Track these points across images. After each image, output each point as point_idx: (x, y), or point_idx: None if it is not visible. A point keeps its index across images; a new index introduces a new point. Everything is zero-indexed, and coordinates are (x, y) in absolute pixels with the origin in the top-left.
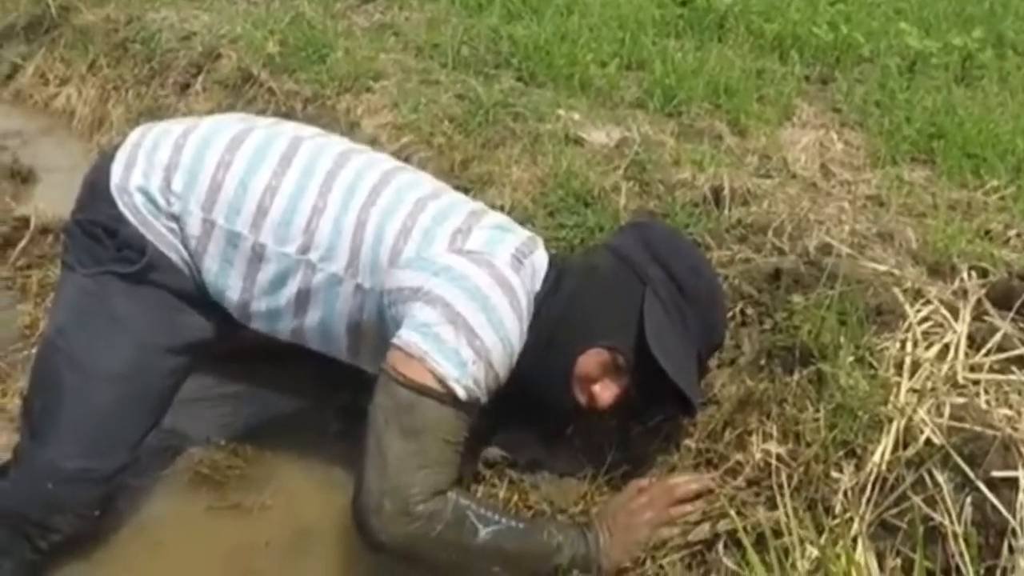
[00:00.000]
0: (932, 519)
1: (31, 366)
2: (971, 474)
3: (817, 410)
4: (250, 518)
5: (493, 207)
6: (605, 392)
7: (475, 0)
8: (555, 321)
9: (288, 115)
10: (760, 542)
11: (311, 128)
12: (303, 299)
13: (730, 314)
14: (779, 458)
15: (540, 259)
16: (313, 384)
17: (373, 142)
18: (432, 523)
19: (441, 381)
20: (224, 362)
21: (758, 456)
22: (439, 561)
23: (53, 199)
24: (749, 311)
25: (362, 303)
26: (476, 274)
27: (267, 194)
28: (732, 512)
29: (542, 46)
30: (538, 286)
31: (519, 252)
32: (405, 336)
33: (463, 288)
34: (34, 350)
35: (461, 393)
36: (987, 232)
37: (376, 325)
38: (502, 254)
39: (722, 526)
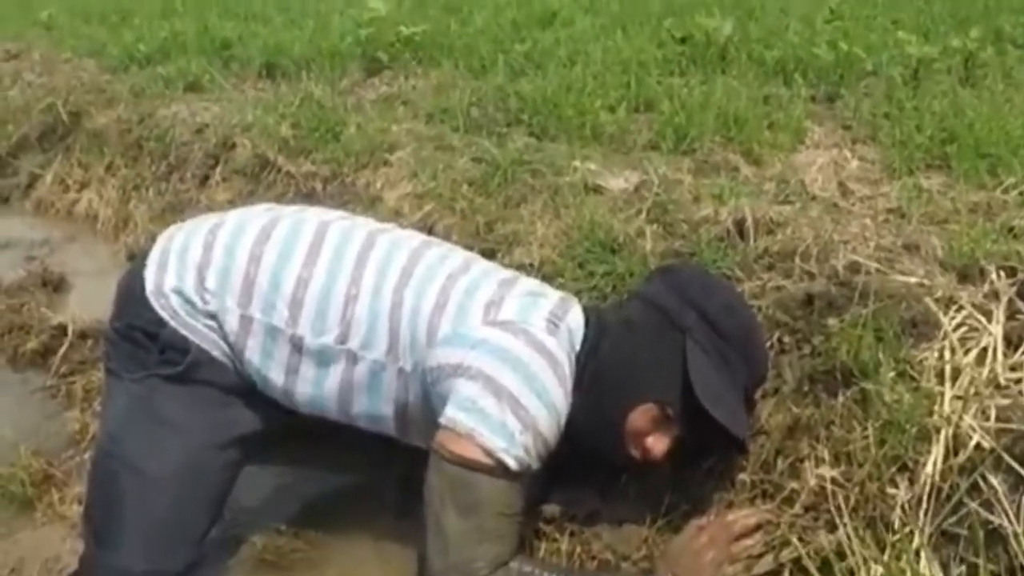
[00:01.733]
0: (991, 522)
1: (88, 474)
2: None
3: (865, 429)
4: None
5: (522, 265)
6: (658, 444)
7: (479, 62)
8: (600, 380)
9: (309, 196)
10: (825, 566)
11: (335, 212)
12: (347, 387)
13: (768, 344)
14: (833, 481)
15: (575, 319)
16: (368, 458)
17: (396, 214)
18: None
19: (491, 455)
20: (276, 444)
21: (812, 482)
22: None
23: (87, 304)
24: (786, 339)
25: (406, 385)
26: (513, 344)
27: (300, 286)
28: (794, 540)
29: (550, 99)
30: (577, 346)
31: (553, 316)
32: (451, 414)
33: (502, 359)
34: (86, 456)
35: (512, 464)
36: (1011, 230)
37: (422, 405)
38: (536, 320)
39: (785, 555)
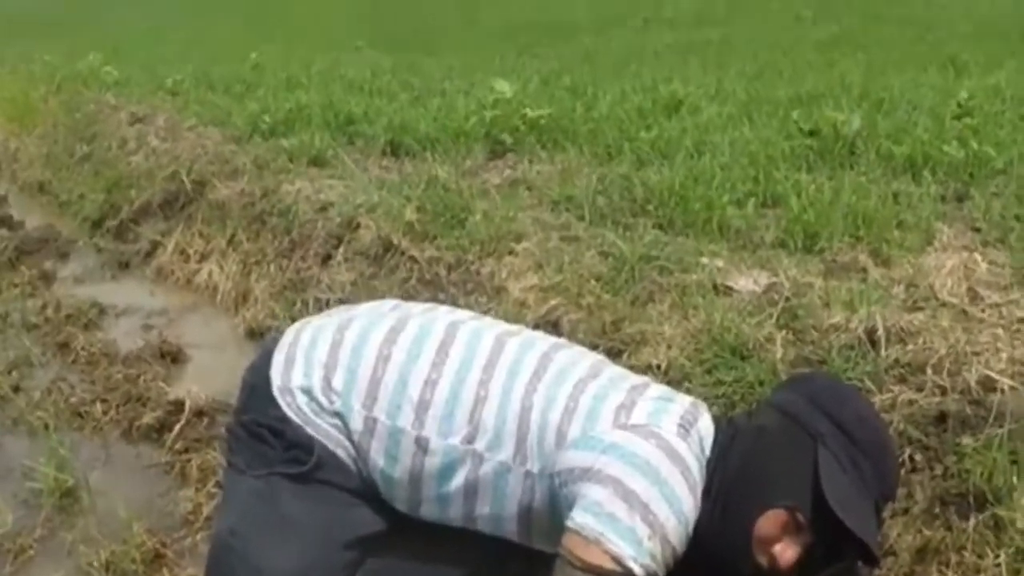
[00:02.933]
0: None
1: (206, 566)
2: None
3: (997, 556)
4: None
5: (649, 367)
6: (787, 552)
7: (604, 149)
8: (729, 485)
9: (432, 283)
10: None
11: (465, 312)
12: (471, 488)
13: (899, 460)
14: None
15: (706, 425)
16: (485, 555)
17: (521, 305)
18: None
19: (619, 561)
20: (396, 539)
21: None
22: None
23: (205, 379)
24: (918, 457)
25: (532, 488)
26: (644, 448)
27: (427, 387)
28: None
29: (677, 191)
30: (707, 452)
31: (684, 421)
32: (579, 519)
33: (633, 464)
34: (199, 537)
35: (639, 572)
36: None
37: (548, 508)
38: (668, 425)
39: None
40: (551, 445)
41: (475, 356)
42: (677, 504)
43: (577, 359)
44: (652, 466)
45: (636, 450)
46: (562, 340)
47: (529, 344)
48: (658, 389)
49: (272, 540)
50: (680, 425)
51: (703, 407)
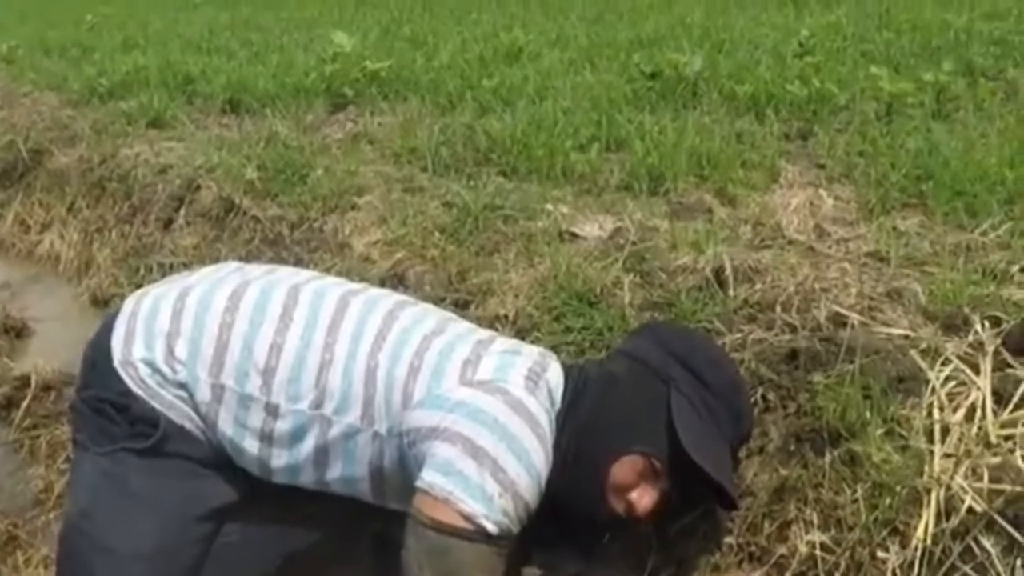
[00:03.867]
0: None
1: (57, 550)
2: (1019, 537)
3: (854, 491)
4: None
5: (497, 317)
6: (644, 498)
7: (446, 98)
8: (581, 435)
9: (276, 242)
10: None
11: (307, 273)
12: (322, 452)
13: (752, 400)
14: (823, 546)
15: (555, 375)
16: (341, 518)
17: (365, 260)
18: None
19: (470, 519)
20: (250, 507)
21: (802, 548)
22: None
23: (51, 352)
24: (771, 396)
25: (382, 449)
26: (491, 404)
27: (273, 352)
28: None
29: (519, 138)
30: (558, 402)
31: (532, 373)
32: (428, 478)
33: (480, 421)
34: (52, 516)
35: (492, 529)
36: (992, 273)
37: (398, 469)
38: (515, 378)
39: None
40: (398, 405)
41: (319, 319)
42: (527, 459)
43: (422, 316)
44: (500, 422)
45: (483, 407)
46: (407, 297)
47: (373, 303)
48: (504, 342)
49: (123, 519)
50: (527, 378)
51: (552, 357)
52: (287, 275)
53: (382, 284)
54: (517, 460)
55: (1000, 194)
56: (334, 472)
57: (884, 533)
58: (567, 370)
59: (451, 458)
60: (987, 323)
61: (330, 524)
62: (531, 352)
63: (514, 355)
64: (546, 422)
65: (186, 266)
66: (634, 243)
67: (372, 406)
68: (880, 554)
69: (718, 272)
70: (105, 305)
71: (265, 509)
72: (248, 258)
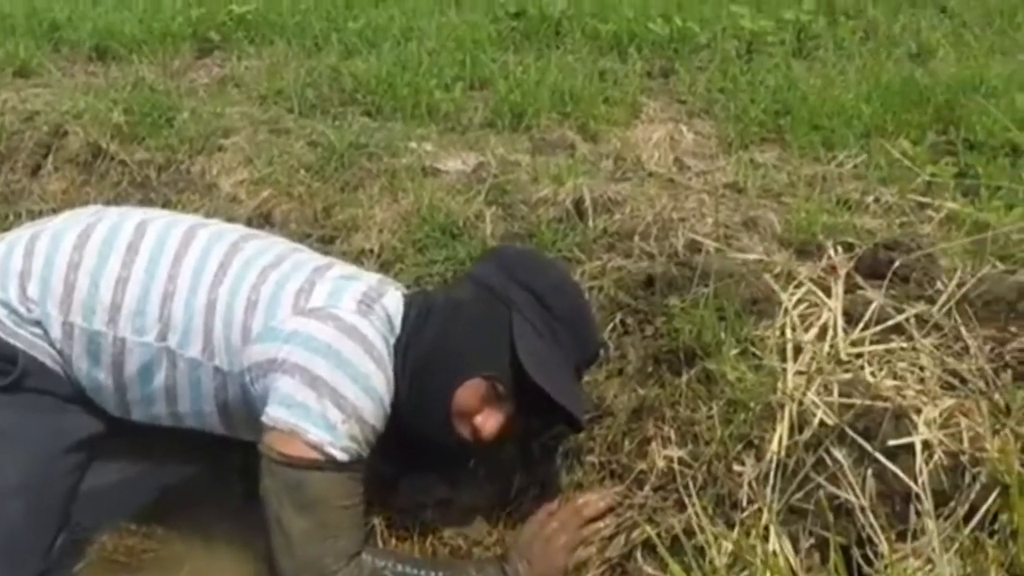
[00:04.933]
0: (837, 497)
1: None
2: (868, 447)
3: (710, 408)
4: None
5: (362, 251)
6: (488, 422)
7: (311, 41)
8: (424, 360)
9: (143, 185)
10: (675, 546)
11: (160, 211)
12: (171, 386)
13: (610, 324)
14: (680, 461)
15: (393, 301)
16: (208, 450)
17: (233, 200)
18: None
19: (317, 449)
20: (118, 440)
21: (661, 463)
22: None
23: None
24: (629, 320)
25: (225, 384)
26: (323, 331)
27: (119, 287)
28: (643, 521)
29: (384, 78)
30: (397, 328)
31: (366, 298)
32: (272, 413)
33: (314, 349)
34: None
35: (340, 456)
36: (846, 202)
37: (243, 403)
38: (346, 303)
39: (637, 536)
40: (238, 342)
41: (164, 251)
42: (365, 382)
43: (265, 249)
44: (333, 349)
45: (315, 334)
46: (256, 231)
47: (218, 236)
48: (342, 269)
49: None
50: (360, 302)
51: (391, 284)
52: (138, 213)
53: (249, 223)
54: (355, 384)
55: (856, 128)
56: (184, 406)
57: (739, 447)
58: (410, 298)
59: (291, 391)
60: (840, 248)
61: (196, 459)
62: (368, 278)
63: (348, 281)
64: (382, 346)
65: (55, 211)
66: (496, 176)
67: (212, 341)
68: (736, 467)
69: (578, 204)
70: None
71: (134, 444)
72: (117, 201)
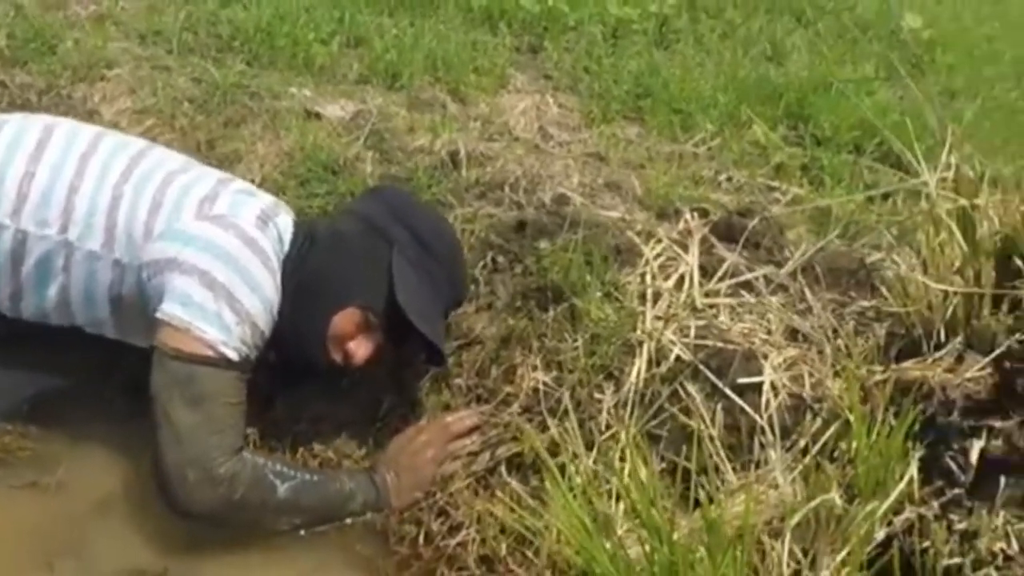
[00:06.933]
0: (688, 425)
1: None
2: (719, 383)
3: (575, 340)
4: (48, 495)
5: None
6: (360, 349)
7: None
8: (305, 284)
9: (24, 108)
10: (538, 463)
11: (64, 119)
12: (66, 279)
13: (481, 263)
14: (546, 385)
15: (285, 222)
16: (89, 365)
17: (115, 127)
18: (235, 485)
19: (211, 347)
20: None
21: (527, 385)
22: (243, 522)
23: None
24: (500, 259)
25: (122, 278)
26: (224, 238)
27: (25, 180)
28: (508, 439)
29: (263, 28)
30: (286, 248)
31: (264, 214)
32: (168, 309)
33: (214, 254)
34: None
35: (232, 355)
36: (700, 179)
37: (138, 300)
38: (247, 215)
39: (501, 452)
40: (139, 237)
41: (72, 149)
42: (259, 290)
43: (170, 156)
44: (232, 255)
45: (216, 240)
46: (158, 145)
47: (125, 143)
48: (242, 184)
49: None
50: (259, 217)
51: (284, 207)
52: (46, 118)
53: None
54: (251, 291)
55: (712, 115)
56: (77, 304)
57: (601, 377)
58: (298, 223)
59: (188, 290)
60: (696, 214)
61: (85, 366)
62: (265, 197)
63: (248, 196)
64: (275, 262)
65: None
66: (374, 124)
67: (114, 235)
68: (597, 395)
69: (453, 155)
70: None
71: (24, 350)
72: None
